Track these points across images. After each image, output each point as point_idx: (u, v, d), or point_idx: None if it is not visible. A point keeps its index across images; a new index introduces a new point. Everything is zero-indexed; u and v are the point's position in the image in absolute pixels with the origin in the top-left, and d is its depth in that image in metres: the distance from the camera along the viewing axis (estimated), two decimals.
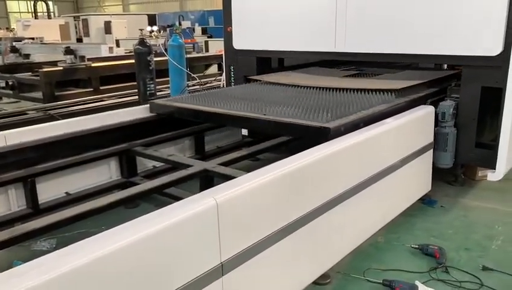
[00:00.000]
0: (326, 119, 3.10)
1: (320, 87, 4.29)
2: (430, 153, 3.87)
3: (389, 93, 3.84)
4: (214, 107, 3.76)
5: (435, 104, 3.92)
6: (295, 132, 3.27)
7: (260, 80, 4.89)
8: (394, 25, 4.11)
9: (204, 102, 3.93)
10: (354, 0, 4.30)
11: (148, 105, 4.18)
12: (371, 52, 4.30)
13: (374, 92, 3.91)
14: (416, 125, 3.64)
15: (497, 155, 3.74)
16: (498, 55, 3.60)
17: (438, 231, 3.50)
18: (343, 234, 2.89)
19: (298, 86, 4.46)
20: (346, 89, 4.16)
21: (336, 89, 4.21)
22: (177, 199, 2.07)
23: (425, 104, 3.93)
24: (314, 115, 3.22)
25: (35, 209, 3.23)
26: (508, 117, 3.66)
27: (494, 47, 3.61)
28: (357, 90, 4.07)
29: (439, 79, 4.47)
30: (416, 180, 3.79)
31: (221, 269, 1.99)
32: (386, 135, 3.24)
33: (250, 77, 5.08)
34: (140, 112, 4.10)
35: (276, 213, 2.31)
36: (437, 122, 3.88)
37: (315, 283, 2.74)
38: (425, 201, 3.99)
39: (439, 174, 4.12)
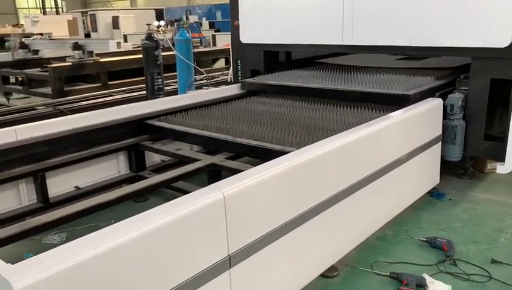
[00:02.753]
0: (404, 89, 3.79)
1: (383, 67, 4.93)
2: (438, 146, 3.85)
3: (445, 70, 4.47)
4: (299, 83, 4.43)
5: (444, 96, 3.90)
6: (383, 99, 3.82)
7: (326, 63, 5.52)
8: (402, 17, 4.09)
9: (287, 80, 4.61)
10: None
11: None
12: (378, 44, 4.28)
13: (432, 70, 4.51)
14: (424, 118, 3.63)
15: (506, 147, 3.72)
16: (507, 46, 3.57)
17: (446, 224, 3.49)
18: (350, 227, 2.90)
19: (363, 66, 5.08)
20: (405, 68, 4.81)
21: (397, 68, 4.87)
22: (185, 192, 2.09)
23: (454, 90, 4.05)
24: (392, 87, 3.90)
25: (45, 203, 3.27)
26: None
27: (503, 38, 3.58)
28: (415, 68, 4.72)
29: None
30: (425, 174, 3.77)
31: (229, 262, 2.01)
32: (394, 128, 3.24)
33: (317, 60, 5.73)
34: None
35: (283, 206, 2.32)
36: (445, 115, 3.86)
37: (323, 275, 2.75)
38: (434, 194, 3.98)
39: (447, 167, 4.10)
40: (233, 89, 4.88)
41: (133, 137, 3.82)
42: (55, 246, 1.57)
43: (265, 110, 3.99)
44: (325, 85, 4.28)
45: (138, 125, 3.85)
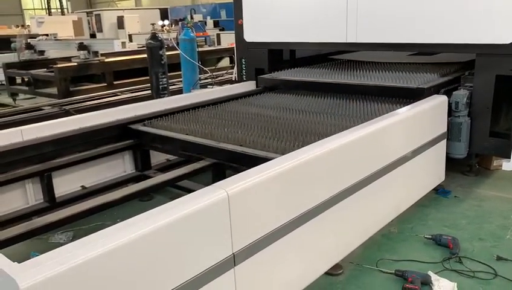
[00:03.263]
0: (419, 83, 3.93)
1: (396, 63, 5.06)
2: (443, 143, 3.84)
3: (457, 65, 4.54)
4: (318, 79, 4.58)
5: (448, 93, 3.88)
6: (399, 93, 3.96)
7: (340, 59, 5.67)
8: (406, 14, 4.08)
9: (305, 75, 4.76)
10: None
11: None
12: (382, 42, 4.28)
13: (442, 64, 4.62)
14: (429, 115, 3.62)
15: None
16: None
17: (452, 221, 3.49)
18: (355, 225, 2.90)
19: (376, 62, 5.21)
20: (417, 63, 4.94)
21: (409, 63, 5.00)
22: (190, 191, 2.10)
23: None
24: (407, 81, 4.04)
25: (52, 202, 3.30)
26: None
27: (507, 35, 3.56)
28: (426, 63, 4.84)
29: None
30: (430, 171, 3.76)
31: (233, 260, 2.02)
32: (399, 125, 3.23)
33: (330, 57, 5.86)
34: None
35: (287, 204, 2.32)
36: (450, 112, 3.85)
37: (327, 273, 2.76)
38: (439, 191, 3.97)
39: (453, 165, 4.09)
40: (241, 87, 4.92)
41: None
42: (61, 245, 1.59)
43: (279, 103, 4.16)
44: (340, 80, 4.46)
45: (122, 130, 3.72)
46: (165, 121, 3.78)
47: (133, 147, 3.80)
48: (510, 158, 3.75)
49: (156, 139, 3.57)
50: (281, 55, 5.50)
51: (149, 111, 3.98)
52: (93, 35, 17.91)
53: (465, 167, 4.37)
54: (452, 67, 4.55)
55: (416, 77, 4.19)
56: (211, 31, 14.60)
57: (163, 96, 6.15)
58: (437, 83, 4.02)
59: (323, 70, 4.98)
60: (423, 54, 5.37)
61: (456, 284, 2.68)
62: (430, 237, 3.18)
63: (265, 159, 2.56)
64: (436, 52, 5.13)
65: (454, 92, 3.86)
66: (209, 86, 6.33)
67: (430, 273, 2.76)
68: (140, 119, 3.81)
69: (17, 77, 9.76)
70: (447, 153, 3.90)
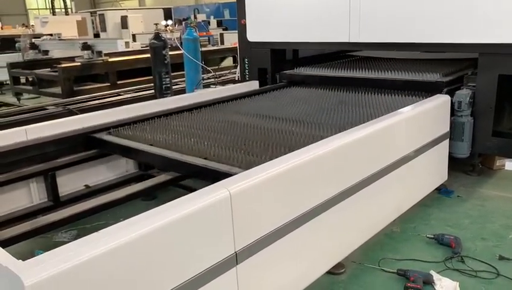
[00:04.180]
0: (437, 78, 4.09)
1: (410, 59, 5.17)
2: (446, 143, 3.83)
3: (470, 60, 4.59)
4: (339, 73, 4.74)
5: (451, 93, 3.88)
6: (418, 86, 4.08)
7: (357, 56, 5.81)
8: (409, 14, 4.07)
9: (325, 71, 4.93)
10: None
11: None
12: (385, 42, 4.28)
13: (455, 60, 4.71)
14: (432, 114, 3.62)
15: None
16: None
17: (454, 221, 3.49)
18: (358, 224, 2.90)
19: (390, 58, 5.37)
20: (430, 59, 5.04)
21: (423, 59, 5.08)
22: (193, 190, 2.11)
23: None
24: (424, 75, 4.20)
25: (56, 201, 3.32)
26: None
27: (510, 34, 3.55)
28: (439, 59, 4.97)
29: None
30: (432, 170, 3.76)
31: (235, 259, 2.03)
32: (401, 124, 3.23)
33: (348, 53, 5.97)
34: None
35: (289, 203, 2.33)
36: (453, 112, 3.85)
37: (329, 272, 2.76)
38: (442, 191, 3.97)
39: (456, 164, 4.09)
40: (243, 87, 4.91)
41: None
42: (65, 243, 1.60)
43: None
44: (357, 75, 4.68)
45: (86, 139, 3.43)
46: (135, 128, 3.50)
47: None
48: None
49: (118, 149, 3.31)
50: (284, 55, 5.51)
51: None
52: (97, 35, 17.97)
53: (468, 166, 4.37)
54: (466, 63, 4.63)
55: (433, 72, 4.30)
56: (214, 31, 14.64)
57: (167, 96, 6.17)
58: (455, 77, 4.19)
59: (336, 67, 5.11)
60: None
61: (458, 283, 2.68)
62: (433, 236, 3.18)
63: (226, 175, 2.35)
64: (439, 51, 5.12)
65: (457, 92, 3.85)
66: (212, 86, 6.34)
67: (432, 272, 2.77)
68: (106, 127, 3.50)
69: (21, 77, 9.82)
70: (449, 153, 3.90)
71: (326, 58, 5.72)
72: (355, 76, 4.66)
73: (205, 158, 2.76)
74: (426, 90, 4.00)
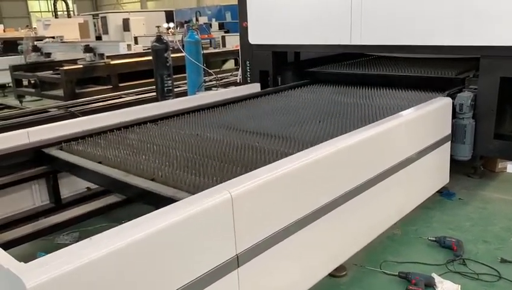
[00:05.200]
0: (454, 74, 4.29)
1: (423, 58, 5.29)
2: (447, 145, 3.83)
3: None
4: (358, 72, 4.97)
5: (453, 95, 3.88)
6: (436, 83, 4.28)
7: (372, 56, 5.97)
8: (410, 16, 4.08)
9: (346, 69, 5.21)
10: None
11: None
12: (386, 44, 4.29)
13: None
14: (433, 117, 3.62)
15: None
16: None
17: (456, 224, 3.48)
18: (359, 227, 2.90)
19: (404, 57, 5.51)
20: (444, 58, 5.11)
21: (434, 58, 5.19)
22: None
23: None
24: (441, 72, 4.41)
25: (57, 204, 3.33)
26: None
27: None
28: (453, 58, 5.00)
29: None
30: (434, 173, 3.76)
31: (237, 261, 2.03)
32: (403, 127, 3.23)
33: (367, 52, 5.88)
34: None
35: (291, 206, 2.33)
36: (455, 114, 3.84)
37: (331, 275, 2.76)
38: (443, 193, 3.96)
39: (457, 167, 4.08)
40: (245, 89, 4.91)
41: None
42: (67, 245, 1.61)
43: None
44: (376, 72, 4.90)
45: (35, 155, 3.19)
46: (88, 143, 3.25)
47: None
48: None
49: (66, 166, 3.05)
50: (285, 57, 5.52)
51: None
52: (99, 38, 18.02)
53: (470, 169, 4.36)
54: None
55: (449, 69, 4.49)
56: (216, 33, 14.66)
57: (168, 99, 6.18)
58: (472, 74, 4.27)
59: (354, 65, 5.37)
60: None
61: (459, 286, 2.68)
62: (434, 239, 3.17)
63: (171, 200, 2.14)
64: (441, 54, 5.12)
65: (458, 94, 3.85)
66: (213, 88, 6.36)
67: (434, 275, 2.76)
68: (58, 142, 3.24)
69: (23, 79, 9.85)
70: (451, 155, 3.90)
71: (328, 61, 5.73)
72: (373, 73, 4.89)
73: (152, 179, 2.50)
74: (446, 86, 4.14)
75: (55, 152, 3.12)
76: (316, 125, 3.39)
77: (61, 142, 3.22)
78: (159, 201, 2.25)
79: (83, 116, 4.35)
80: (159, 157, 2.83)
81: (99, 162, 2.82)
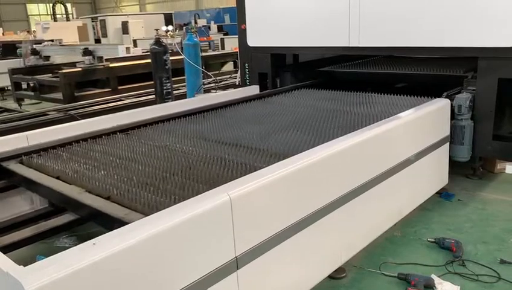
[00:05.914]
0: (462, 72, 4.32)
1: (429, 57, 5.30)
2: (446, 147, 3.84)
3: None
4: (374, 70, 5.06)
5: (451, 97, 3.89)
6: (448, 81, 4.29)
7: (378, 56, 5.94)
8: (408, 18, 4.09)
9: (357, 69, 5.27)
10: None
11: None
12: (384, 46, 4.29)
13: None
14: (432, 118, 3.63)
15: None
16: None
17: (455, 225, 3.48)
18: (358, 228, 2.91)
19: (407, 57, 5.56)
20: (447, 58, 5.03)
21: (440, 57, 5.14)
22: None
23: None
24: (447, 69, 4.48)
25: (57, 207, 3.32)
26: None
27: (510, 38, 3.56)
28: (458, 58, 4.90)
29: None
30: (433, 174, 3.77)
31: (236, 263, 2.03)
32: (402, 128, 3.24)
33: (378, 54, 5.92)
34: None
35: (290, 208, 2.34)
36: (453, 115, 3.85)
37: (330, 277, 2.76)
38: (443, 195, 3.97)
39: (456, 168, 4.09)
40: (242, 92, 4.90)
41: None
42: (66, 248, 1.61)
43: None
44: (386, 71, 4.99)
45: None
46: (49, 155, 3.07)
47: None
48: None
49: (23, 182, 2.85)
50: (284, 59, 5.53)
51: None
52: (98, 41, 18.04)
53: (469, 170, 4.37)
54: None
55: (457, 67, 4.51)
56: (215, 36, 14.67)
57: (167, 101, 6.18)
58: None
59: (364, 65, 5.41)
60: None
61: (459, 287, 2.68)
62: (434, 240, 3.18)
63: (121, 223, 1.94)
64: (439, 55, 5.12)
65: (457, 96, 3.86)
66: (212, 91, 6.36)
67: (433, 276, 2.77)
68: (18, 154, 3.05)
69: (22, 83, 9.84)
70: (450, 156, 3.90)
71: (326, 63, 5.74)
72: (384, 72, 5.00)
73: (107, 198, 2.30)
74: (455, 83, 4.17)
75: (12, 166, 2.92)
76: (294, 134, 3.19)
77: (21, 155, 3.04)
78: (109, 222, 2.09)
79: (82, 119, 4.34)
80: (119, 172, 2.63)
81: (57, 177, 2.64)
